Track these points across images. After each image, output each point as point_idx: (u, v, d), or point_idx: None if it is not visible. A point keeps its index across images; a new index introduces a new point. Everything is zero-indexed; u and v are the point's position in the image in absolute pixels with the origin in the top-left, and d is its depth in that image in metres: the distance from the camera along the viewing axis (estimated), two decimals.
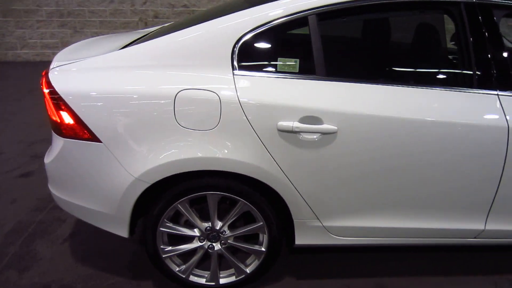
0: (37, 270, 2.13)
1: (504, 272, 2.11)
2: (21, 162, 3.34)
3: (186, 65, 1.67)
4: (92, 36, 7.39)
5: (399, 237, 1.90)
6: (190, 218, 1.83)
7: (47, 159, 1.88)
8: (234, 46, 1.66)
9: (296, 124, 1.62)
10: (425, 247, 2.26)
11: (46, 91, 1.72)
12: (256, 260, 1.93)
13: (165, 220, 1.81)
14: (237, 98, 1.62)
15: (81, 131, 1.68)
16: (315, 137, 1.65)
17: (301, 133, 1.64)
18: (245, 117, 1.62)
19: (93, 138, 1.67)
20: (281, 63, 1.71)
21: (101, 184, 1.76)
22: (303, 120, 1.63)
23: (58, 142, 1.77)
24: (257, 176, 1.70)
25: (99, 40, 2.30)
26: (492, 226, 1.85)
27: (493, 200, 1.78)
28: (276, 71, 1.69)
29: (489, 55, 1.70)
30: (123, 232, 1.83)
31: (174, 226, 1.85)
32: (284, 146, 1.66)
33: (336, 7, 1.68)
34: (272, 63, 1.72)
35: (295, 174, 1.71)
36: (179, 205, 1.77)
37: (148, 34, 2.31)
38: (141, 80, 1.65)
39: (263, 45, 1.73)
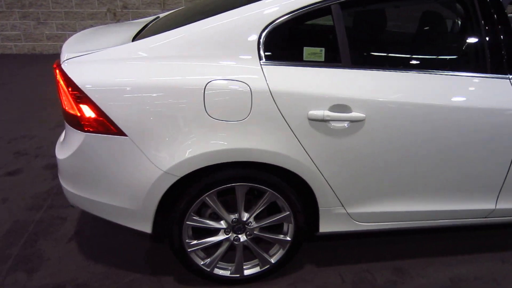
0: (46, 271, 2.03)
1: (510, 249, 2.27)
2: (4, 161, 3.14)
3: (211, 55, 1.65)
4: (58, 28, 7.06)
5: (417, 220, 1.99)
6: (217, 210, 1.81)
7: (62, 155, 1.79)
8: (260, 35, 1.65)
9: (326, 113, 1.65)
10: (435, 229, 2.38)
11: (63, 83, 1.64)
12: (281, 250, 1.95)
13: (192, 213, 1.78)
14: (267, 88, 1.62)
15: (104, 125, 1.62)
16: (344, 125, 1.68)
17: (331, 122, 1.67)
18: (276, 107, 1.63)
19: (118, 132, 1.62)
20: (307, 52, 1.72)
21: (125, 179, 1.70)
22: (333, 108, 1.66)
23: (77, 137, 1.69)
24: (287, 166, 1.72)
25: (103, 30, 2.22)
26: (502, 205, 1.98)
27: (504, 181, 1.91)
28: (302, 60, 1.71)
29: (500, 40, 1.80)
30: (147, 228, 1.79)
31: (200, 220, 1.83)
32: (313, 135, 1.69)
33: None
34: (298, 52, 1.73)
35: (323, 162, 1.74)
36: (207, 198, 1.75)
37: (151, 23, 2.25)
38: (167, 71, 1.61)
39: (288, 34, 1.73)
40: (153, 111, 1.60)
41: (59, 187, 2.76)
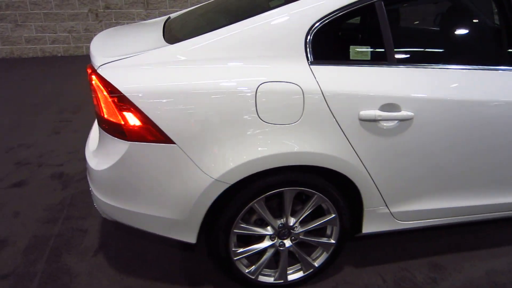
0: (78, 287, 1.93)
1: None
2: (6, 171, 2.97)
3: (256, 57, 1.59)
4: (37, 30, 6.75)
5: (457, 216, 2.02)
6: (264, 216, 1.76)
7: (99, 166, 1.68)
8: (307, 36, 1.62)
9: (378, 113, 1.63)
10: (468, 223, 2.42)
11: (103, 90, 1.55)
12: (325, 253, 1.93)
13: (240, 221, 1.73)
14: (319, 89, 1.59)
15: (151, 133, 1.54)
16: (392, 124, 1.68)
17: (380, 121, 1.66)
18: (328, 109, 1.60)
19: (165, 139, 1.54)
20: (353, 50, 1.70)
21: (172, 189, 1.63)
22: (383, 108, 1.65)
23: (119, 146, 1.60)
24: (337, 168, 1.69)
25: (124, 32, 2.12)
26: None
27: None
28: (349, 60, 1.69)
29: None
30: (191, 238, 1.72)
31: (248, 227, 1.77)
32: (363, 135, 1.67)
33: None
34: (344, 51, 1.71)
35: (371, 163, 1.73)
36: (255, 204, 1.70)
37: (167, 23, 2.17)
38: (215, 75, 1.55)
39: (333, 33, 1.70)
40: (202, 117, 1.53)
41: (73, 197, 2.64)
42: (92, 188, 1.79)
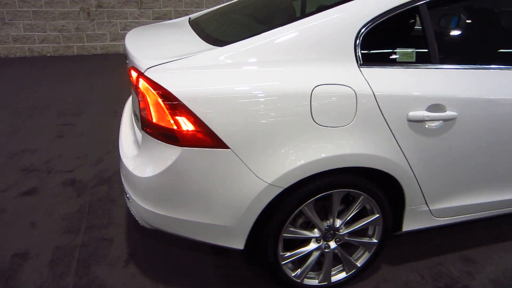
0: None
1: None
2: (14, 179, 2.84)
3: (306, 59, 1.56)
4: (26, 29, 6.48)
5: (488, 210, 2.03)
6: (313, 219, 1.73)
7: (145, 172, 1.61)
8: (356, 39, 1.59)
9: (425, 113, 1.62)
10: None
11: (154, 94, 1.47)
12: (367, 253, 1.91)
13: (289, 225, 1.69)
14: (371, 92, 1.56)
15: (205, 138, 1.48)
16: (438, 124, 1.67)
17: (427, 122, 1.65)
18: (379, 110, 1.58)
19: (219, 144, 1.48)
20: (399, 53, 1.68)
21: (225, 194, 1.57)
22: (429, 108, 1.64)
23: (170, 152, 1.53)
24: (386, 169, 1.67)
25: (156, 31, 2.07)
26: None
27: None
28: (395, 61, 1.67)
29: None
30: (240, 244, 1.67)
31: (296, 230, 1.73)
32: (411, 136, 1.65)
33: None
34: (390, 53, 1.69)
35: (416, 163, 1.71)
36: (305, 207, 1.67)
37: (197, 21, 2.12)
38: (268, 78, 1.50)
39: (381, 35, 1.68)
40: (256, 120, 1.48)
41: (90, 205, 2.54)
42: (131, 195, 1.71)
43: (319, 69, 1.55)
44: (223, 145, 1.48)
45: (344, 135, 1.56)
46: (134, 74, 1.61)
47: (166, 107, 1.47)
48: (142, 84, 1.52)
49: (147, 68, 1.52)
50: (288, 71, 1.52)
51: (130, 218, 2.41)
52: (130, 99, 2.49)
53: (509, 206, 2.07)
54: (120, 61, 6.37)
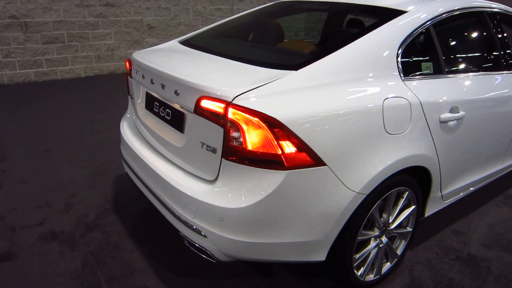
0: None
1: None
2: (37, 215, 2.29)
3: (363, 78, 1.76)
4: None
5: (478, 184, 2.56)
6: (378, 219, 1.90)
7: (243, 202, 1.56)
8: (397, 56, 1.86)
9: (449, 115, 1.98)
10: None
11: (254, 120, 1.47)
12: (403, 241, 2.17)
13: (362, 228, 1.83)
14: (418, 101, 1.84)
15: (306, 158, 1.53)
16: (454, 122, 2.04)
17: (449, 121, 2.01)
18: (423, 116, 1.87)
19: (318, 162, 1.55)
20: (425, 66, 2.02)
21: (320, 209, 1.63)
22: (451, 110, 2.01)
23: (273, 177, 1.53)
24: (426, 164, 1.96)
25: (176, 57, 2.08)
26: None
27: None
28: (422, 73, 1.99)
29: None
30: (322, 256, 1.75)
31: (365, 232, 1.88)
32: (440, 134, 1.99)
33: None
34: (418, 66, 2.01)
35: (441, 156, 2.05)
36: (373, 209, 1.83)
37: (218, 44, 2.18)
38: (347, 96, 1.65)
39: (411, 54, 1.97)
40: (343, 135, 1.60)
41: (95, 256, 2.26)
42: (213, 230, 1.63)
43: (379, 85, 1.75)
44: (321, 163, 1.56)
45: (405, 140, 1.80)
46: (211, 104, 1.56)
47: (270, 132, 1.48)
48: (234, 113, 1.50)
49: (235, 97, 1.51)
50: (358, 89, 1.70)
51: (152, 260, 2.21)
52: (123, 130, 2.31)
53: (491, 178, 2.67)
54: (12, 92, 5.50)
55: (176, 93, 1.75)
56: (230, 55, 1.97)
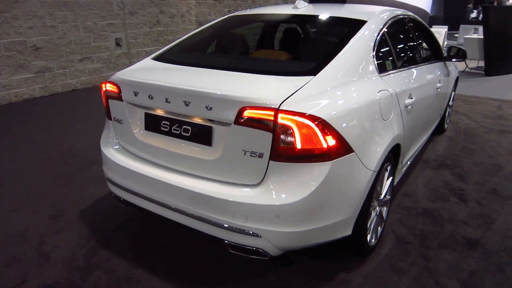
0: None
1: None
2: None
3: (357, 76, 2.12)
4: None
5: (416, 152, 3.18)
6: (377, 191, 2.26)
7: (296, 196, 1.74)
8: (373, 57, 2.29)
9: (409, 100, 2.49)
10: None
11: (304, 121, 1.69)
12: (386, 208, 2.58)
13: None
14: (394, 92, 2.30)
15: (342, 148, 1.79)
16: (411, 106, 2.57)
17: (409, 106, 2.51)
18: (398, 103, 2.33)
19: (348, 150, 1.83)
20: (388, 63, 2.49)
21: (351, 190, 1.91)
22: (409, 96, 2.52)
23: (320, 169, 1.75)
24: (401, 142, 2.41)
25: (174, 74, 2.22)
26: None
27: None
28: (388, 69, 2.46)
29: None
30: (349, 230, 2.03)
31: (372, 204, 2.22)
32: (406, 116, 2.48)
33: None
34: (385, 64, 2.45)
35: (406, 133, 2.53)
36: (377, 184, 2.19)
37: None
38: (358, 92, 2.02)
39: (379, 52, 2.39)
40: (361, 125, 1.94)
41: None
42: (270, 228, 1.77)
43: (371, 82, 2.16)
44: (351, 150, 1.85)
45: (392, 124, 2.22)
46: (257, 113, 1.70)
47: (318, 130, 1.70)
48: (283, 117, 1.67)
49: (281, 103, 1.69)
50: (363, 85, 2.07)
51: (176, 281, 2.19)
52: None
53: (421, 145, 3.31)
54: None
55: (208, 108, 1.82)
56: (230, 68, 2.12)
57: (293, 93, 1.75)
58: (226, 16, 3.04)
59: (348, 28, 2.37)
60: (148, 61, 2.47)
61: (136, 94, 2.09)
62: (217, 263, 2.33)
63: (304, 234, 1.82)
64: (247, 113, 1.73)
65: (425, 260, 2.38)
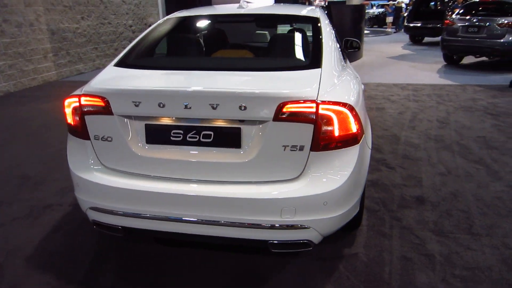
0: None
1: None
2: None
3: (345, 66, 2.40)
4: None
5: None
6: None
7: (339, 181, 1.84)
8: (339, 49, 2.51)
9: (362, 86, 2.80)
10: None
11: (343, 110, 1.80)
12: None
13: None
14: (359, 77, 2.56)
15: (362, 132, 1.96)
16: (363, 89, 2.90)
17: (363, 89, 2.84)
18: (362, 87, 2.60)
19: (363, 132, 2.00)
20: (342, 52, 2.72)
21: (364, 169, 2.08)
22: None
23: (352, 152, 1.89)
24: None
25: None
26: None
27: None
28: (344, 58, 2.70)
29: None
30: (359, 207, 2.23)
31: None
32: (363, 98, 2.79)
33: None
34: (343, 54, 2.66)
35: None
36: None
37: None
38: (354, 80, 2.26)
39: (338, 44, 2.62)
40: (362, 108, 2.14)
41: None
42: (318, 217, 1.82)
43: (350, 69, 2.41)
44: (363, 132, 2.03)
45: (364, 105, 2.48)
46: (298, 107, 1.73)
47: (351, 116, 1.82)
48: (323, 108, 1.75)
49: (318, 95, 1.76)
50: (352, 73, 2.31)
51: None
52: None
53: None
54: None
55: (242, 108, 1.74)
56: (228, 68, 2.08)
57: (320, 85, 1.83)
58: (175, 17, 2.83)
59: (308, 24, 2.53)
60: (118, 69, 2.17)
61: (137, 104, 1.84)
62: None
63: (342, 216, 1.93)
64: (288, 108, 1.73)
65: (398, 221, 2.75)
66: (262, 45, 3.12)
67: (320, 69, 2.00)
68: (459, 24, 8.34)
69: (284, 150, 1.80)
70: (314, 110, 1.75)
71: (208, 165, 1.87)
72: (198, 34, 2.98)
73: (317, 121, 1.76)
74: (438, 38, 12.53)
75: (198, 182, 1.89)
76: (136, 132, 1.93)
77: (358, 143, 1.90)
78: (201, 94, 1.80)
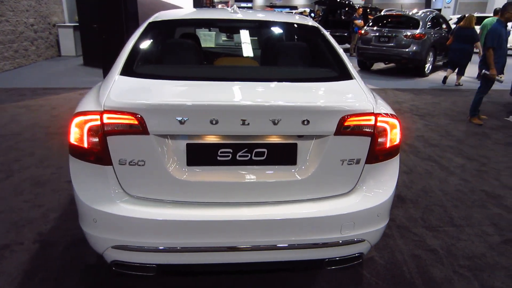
0: None
1: None
2: None
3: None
4: None
5: None
6: None
7: (390, 189, 1.87)
8: None
9: None
10: None
11: (394, 122, 1.83)
12: None
13: None
14: None
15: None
16: None
17: None
18: None
19: None
20: None
21: None
22: None
23: (395, 163, 1.93)
24: None
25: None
26: None
27: None
28: None
29: None
30: None
31: None
32: None
33: None
34: None
35: None
36: None
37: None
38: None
39: None
40: None
41: None
42: (373, 228, 1.85)
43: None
44: None
45: None
46: (358, 120, 1.72)
47: (400, 127, 1.86)
48: (381, 120, 1.77)
49: (373, 107, 1.77)
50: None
51: None
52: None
53: None
54: None
55: (304, 123, 1.66)
56: (259, 79, 1.96)
57: (368, 96, 1.84)
58: (166, 20, 2.53)
59: (313, 33, 2.51)
60: (138, 80, 1.85)
61: (183, 121, 1.62)
62: None
63: (386, 224, 1.97)
64: (350, 122, 1.71)
65: (392, 221, 2.91)
66: (257, 52, 2.99)
67: (355, 80, 2.01)
68: (372, 34, 9.17)
69: (342, 164, 1.77)
70: (372, 123, 1.75)
71: (261, 185, 1.74)
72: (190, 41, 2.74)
73: (374, 133, 1.77)
74: (346, 45, 13.75)
75: (250, 205, 1.76)
76: (174, 153, 1.71)
77: (398, 153, 1.95)
78: (263, 109, 1.66)
